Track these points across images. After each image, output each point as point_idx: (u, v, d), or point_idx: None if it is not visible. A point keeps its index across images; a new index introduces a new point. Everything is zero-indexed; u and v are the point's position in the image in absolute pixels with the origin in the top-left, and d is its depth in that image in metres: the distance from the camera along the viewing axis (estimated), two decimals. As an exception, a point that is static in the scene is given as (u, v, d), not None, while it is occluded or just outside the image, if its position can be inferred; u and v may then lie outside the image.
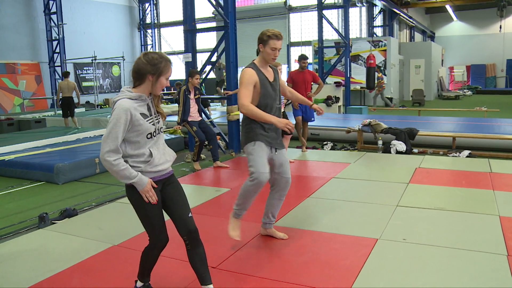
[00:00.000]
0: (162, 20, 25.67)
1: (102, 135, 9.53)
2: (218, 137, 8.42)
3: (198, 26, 8.88)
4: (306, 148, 8.18)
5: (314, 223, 4.33)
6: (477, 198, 5.09)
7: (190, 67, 8.33)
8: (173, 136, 8.92)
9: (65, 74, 12.52)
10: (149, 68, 2.59)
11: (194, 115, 6.97)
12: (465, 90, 25.40)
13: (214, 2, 8.16)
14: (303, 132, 8.05)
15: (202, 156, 7.69)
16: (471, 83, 29.32)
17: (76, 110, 13.97)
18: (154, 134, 2.69)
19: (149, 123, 2.64)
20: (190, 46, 8.38)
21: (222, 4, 8.04)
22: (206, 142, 7.18)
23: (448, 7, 25.57)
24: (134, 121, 2.56)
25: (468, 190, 5.42)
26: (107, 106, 19.52)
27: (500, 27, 25.60)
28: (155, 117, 2.71)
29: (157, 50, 24.20)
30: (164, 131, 9.22)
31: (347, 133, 8.93)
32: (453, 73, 29.18)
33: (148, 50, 22.19)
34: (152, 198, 2.67)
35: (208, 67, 8.91)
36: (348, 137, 9.15)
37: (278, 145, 3.73)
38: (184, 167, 7.31)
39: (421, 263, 3.40)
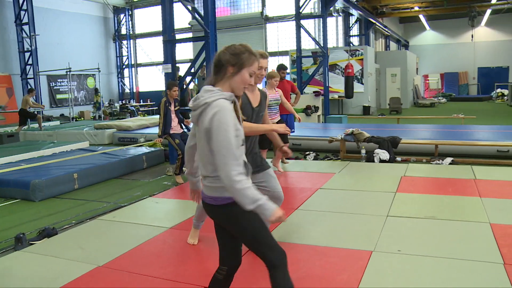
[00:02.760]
0: (138, 31, 25.42)
1: (80, 149, 9.28)
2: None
3: (183, 37, 8.75)
4: (288, 159, 8.09)
5: (305, 236, 4.22)
6: (465, 205, 5.06)
7: (170, 78, 8.19)
8: (153, 149, 8.72)
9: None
10: (229, 57, 2.24)
11: (175, 127, 6.83)
12: (439, 98, 25.81)
13: (194, 12, 8.05)
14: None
15: (185, 169, 7.50)
16: (445, 90, 29.84)
17: (50, 123, 13.79)
18: (243, 142, 2.28)
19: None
20: (170, 57, 8.24)
21: (202, 14, 7.94)
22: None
23: (421, 16, 26.04)
24: (235, 126, 2.19)
25: (455, 197, 5.39)
26: (82, 118, 19.12)
27: (472, 36, 26.19)
28: (240, 119, 2.31)
29: (132, 62, 23.91)
30: (143, 144, 9.09)
31: (329, 143, 8.88)
32: (427, 81, 29.68)
33: (124, 61, 21.66)
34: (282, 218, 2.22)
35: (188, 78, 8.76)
36: (330, 147, 9.10)
37: (260, 166, 3.57)
38: (166, 181, 7.13)
39: (420, 275, 3.31)
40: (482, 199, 5.26)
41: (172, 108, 6.76)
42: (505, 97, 23.40)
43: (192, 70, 8.44)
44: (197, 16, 8.07)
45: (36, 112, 14.09)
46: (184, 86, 8.80)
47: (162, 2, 8.14)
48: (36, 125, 14.20)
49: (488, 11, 23.81)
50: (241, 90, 2.29)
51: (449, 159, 7.71)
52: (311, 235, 4.22)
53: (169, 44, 8.19)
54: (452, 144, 8.16)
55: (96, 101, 19.53)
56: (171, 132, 6.74)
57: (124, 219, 4.99)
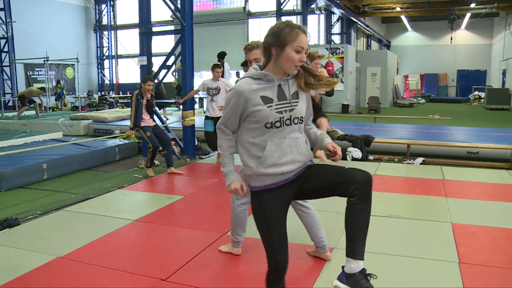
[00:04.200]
0: (119, 22, 25.13)
1: (53, 139, 9.16)
2: (172, 142, 8.24)
3: (156, 29, 8.68)
4: None
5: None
6: (430, 205, 5.14)
7: (146, 70, 8.12)
8: (126, 141, 8.66)
9: None
10: (271, 39, 2.12)
11: (147, 120, 6.79)
12: (419, 98, 26.11)
13: (171, 5, 7.98)
14: None
15: (156, 162, 7.48)
16: (425, 91, 30.20)
17: (26, 113, 13.65)
18: (278, 124, 2.14)
19: (271, 109, 2.12)
20: (146, 49, 8.16)
21: (179, 7, 7.88)
22: (160, 148, 6.99)
23: (403, 17, 26.28)
24: (250, 106, 2.12)
25: (422, 197, 5.47)
26: (59, 109, 18.85)
27: (451, 39, 26.52)
28: (288, 103, 2.16)
29: (113, 53, 23.61)
30: (117, 136, 9.02)
31: (304, 140, 8.90)
32: (407, 82, 29.99)
33: (104, 52, 21.41)
34: (238, 193, 2.22)
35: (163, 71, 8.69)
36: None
37: None
38: (137, 173, 7.08)
39: (377, 273, 3.34)
40: (447, 199, 5.34)
41: (144, 101, 6.72)
42: (482, 100, 23.78)
43: (168, 63, 8.35)
44: (175, 9, 8.00)
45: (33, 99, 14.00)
46: (160, 79, 8.74)
47: (139, -7, 8.06)
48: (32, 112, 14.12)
49: (468, 15, 24.14)
50: (292, 69, 2.13)
51: (420, 159, 7.82)
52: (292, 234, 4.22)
53: (145, 37, 8.11)
54: (424, 144, 8.28)
55: (55, 92, 19.19)
56: (143, 125, 6.70)
57: (89, 211, 4.95)
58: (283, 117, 2.15)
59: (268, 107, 2.12)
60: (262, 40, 3.36)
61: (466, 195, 5.55)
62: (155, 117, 7.31)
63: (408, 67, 31.26)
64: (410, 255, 3.67)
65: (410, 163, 7.73)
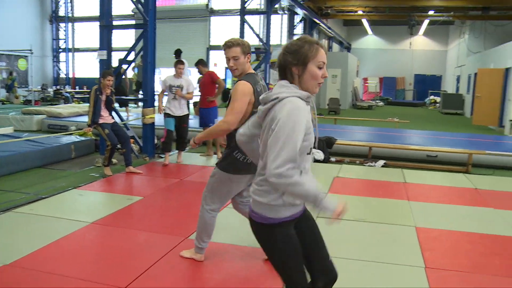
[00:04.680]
0: (77, 14, 24.31)
1: (2, 134, 8.67)
2: (131, 140, 7.97)
3: (117, 23, 8.38)
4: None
5: (232, 236, 4.10)
6: (394, 208, 5.15)
7: (105, 65, 7.82)
8: (82, 138, 8.31)
9: None
10: (290, 57, 1.97)
11: (106, 117, 6.51)
12: (377, 101, 26.57)
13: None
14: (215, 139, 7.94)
15: (114, 160, 7.20)
16: (383, 94, 30.78)
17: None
18: (311, 151, 2.02)
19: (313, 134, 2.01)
20: (106, 43, 7.85)
21: (142, 1, 7.62)
22: (118, 146, 6.73)
23: (364, 21, 26.67)
24: (306, 130, 1.91)
25: (385, 200, 5.49)
26: (10, 102, 18.02)
27: (410, 44, 27.15)
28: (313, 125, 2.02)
29: (70, 46, 22.79)
30: (73, 133, 8.65)
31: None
32: (367, 84, 30.48)
33: (61, 45, 20.64)
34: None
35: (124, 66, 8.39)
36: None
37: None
38: (94, 172, 6.78)
39: (344, 280, 3.27)
40: (410, 202, 5.37)
41: (103, 97, 6.45)
42: (437, 104, 24.44)
43: (129, 59, 8.06)
44: (137, 2, 7.71)
45: None
46: (122, 74, 8.43)
47: (100, -15, 7.75)
48: None
49: (426, 21, 24.75)
50: (315, 87, 2.00)
51: (381, 162, 7.88)
52: (239, 235, 4.10)
53: (106, 30, 7.80)
54: (385, 147, 8.35)
55: (6, 84, 18.37)
56: (101, 121, 6.42)
57: (42, 212, 4.66)
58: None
59: (314, 130, 2.02)
60: (228, 39, 3.27)
61: (428, 198, 5.61)
62: (114, 114, 7.04)
63: (367, 70, 31.80)
64: (376, 260, 3.63)
65: (371, 166, 7.77)
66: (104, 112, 6.48)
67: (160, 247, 3.77)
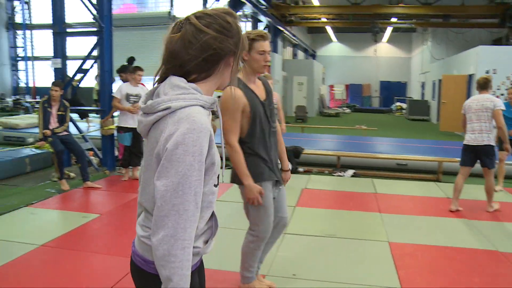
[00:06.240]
0: (36, 21, 23.47)
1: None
2: (91, 152, 7.56)
3: (76, 30, 7.97)
4: None
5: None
6: (365, 222, 4.95)
7: (60, 74, 7.40)
8: (39, 151, 7.80)
9: None
10: (230, 43, 1.37)
11: (54, 126, 6.15)
12: (344, 108, 26.68)
13: (88, 4, 7.30)
14: None
15: (72, 174, 6.79)
16: (350, 101, 30.99)
17: None
18: (221, 179, 1.49)
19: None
20: (60, 51, 7.44)
21: (97, 7, 7.25)
22: (75, 160, 6.34)
23: (328, 28, 26.80)
24: (212, 154, 1.34)
25: (356, 213, 5.28)
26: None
27: (375, 51, 27.44)
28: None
29: (29, 54, 21.99)
30: (28, 146, 8.14)
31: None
32: (333, 91, 30.64)
33: (19, 53, 19.85)
34: None
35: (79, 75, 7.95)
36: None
37: (279, 177, 2.98)
38: (49, 188, 6.32)
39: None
40: (381, 215, 5.18)
41: (53, 110, 6.09)
42: (403, 111, 24.71)
43: (85, 67, 7.64)
44: (91, 8, 7.32)
45: None
46: (76, 84, 7.98)
47: (51, -11, 7.34)
48: None
49: (390, 29, 25.06)
50: (225, 85, 1.49)
51: (351, 171, 7.70)
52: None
53: (59, 37, 7.39)
54: (354, 156, 8.19)
55: None
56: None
57: (-15, 236, 4.25)
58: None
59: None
60: (256, 30, 2.88)
61: (400, 210, 5.43)
62: (71, 125, 6.64)
63: (333, 77, 31.98)
64: (346, 281, 3.39)
65: (341, 175, 7.58)
66: (55, 124, 6.12)
67: (115, 271, 3.42)
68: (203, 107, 1.35)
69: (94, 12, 7.28)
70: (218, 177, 1.43)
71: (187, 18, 1.38)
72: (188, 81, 1.37)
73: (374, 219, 5.03)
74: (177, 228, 1.24)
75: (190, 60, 1.35)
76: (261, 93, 2.86)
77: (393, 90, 30.46)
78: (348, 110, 26.16)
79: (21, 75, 23.82)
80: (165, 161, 1.25)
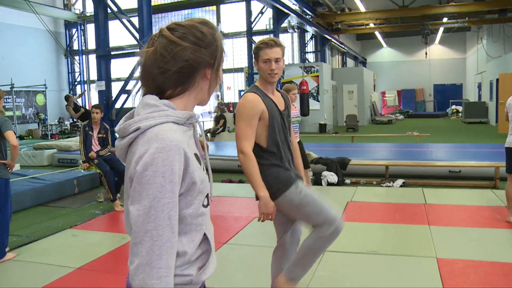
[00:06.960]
0: (91, 46, 24.54)
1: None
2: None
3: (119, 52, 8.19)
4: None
5: (226, 279, 3.66)
6: (412, 236, 4.65)
7: (105, 96, 7.59)
8: (86, 173, 7.99)
9: None
10: (205, 54, 1.28)
11: (96, 148, 6.31)
12: (397, 114, 25.97)
13: (129, 26, 7.47)
14: None
15: (118, 195, 6.89)
16: (402, 107, 30.15)
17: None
18: (210, 198, 1.37)
19: (204, 172, 1.33)
20: (104, 74, 7.65)
21: (138, 27, 7.41)
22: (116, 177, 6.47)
23: (377, 33, 26.25)
24: (190, 173, 1.21)
25: (403, 226, 4.97)
26: (30, 137, 18.10)
27: (426, 54, 26.58)
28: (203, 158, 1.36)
29: (85, 78, 23.02)
30: (76, 167, 8.37)
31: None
32: (385, 98, 29.91)
33: (76, 77, 20.80)
34: None
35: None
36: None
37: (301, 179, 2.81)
38: (94, 208, 6.44)
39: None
40: (430, 227, 4.86)
41: (94, 134, 6.23)
42: (460, 114, 23.71)
43: (128, 88, 7.81)
44: (134, 31, 7.50)
45: None
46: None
47: (95, 15, 7.60)
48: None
49: (441, 29, 24.21)
50: (208, 99, 1.39)
51: (400, 181, 7.34)
52: (233, 277, 3.67)
53: (103, 60, 7.60)
54: (403, 165, 7.81)
55: (40, 119, 18.76)
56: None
57: (26, 258, 4.32)
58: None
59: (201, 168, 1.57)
60: (263, 38, 2.71)
61: (451, 221, 5.08)
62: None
63: (385, 83, 31.26)
64: (390, 303, 3.15)
65: (389, 186, 7.25)
66: (96, 147, 6.26)
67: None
68: (177, 123, 1.25)
69: (137, 35, 7.43)
70: (208, 196, 1.31)
71: (160, 31, 1.30)
72: (164, 98, 1.28)
73: (421, 232, 4.72)
74: (152, 256, 1.13)
75: (161, 74, 1.26)
76: (280, 103, 2.72)
77: (448, 93, 29.36)
78: (401, 117, 25.43)
79: (78, 99, 24.90)
80: (136, 184, 1.16)
